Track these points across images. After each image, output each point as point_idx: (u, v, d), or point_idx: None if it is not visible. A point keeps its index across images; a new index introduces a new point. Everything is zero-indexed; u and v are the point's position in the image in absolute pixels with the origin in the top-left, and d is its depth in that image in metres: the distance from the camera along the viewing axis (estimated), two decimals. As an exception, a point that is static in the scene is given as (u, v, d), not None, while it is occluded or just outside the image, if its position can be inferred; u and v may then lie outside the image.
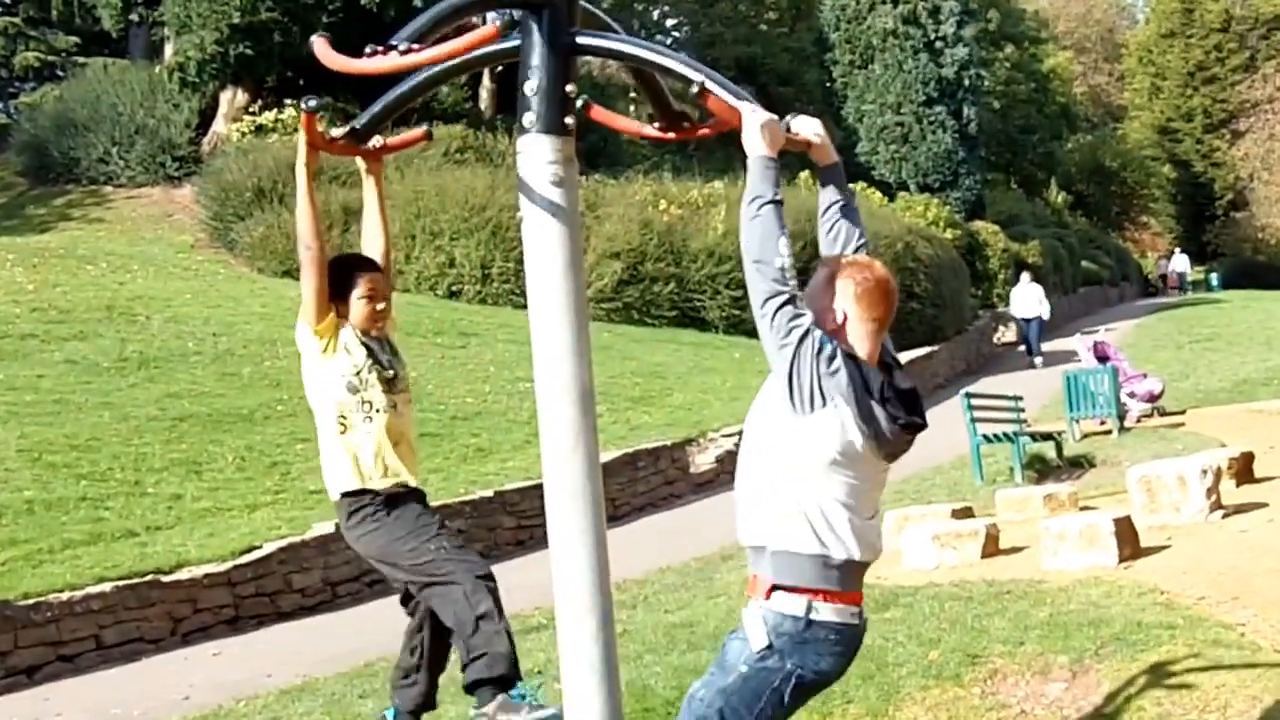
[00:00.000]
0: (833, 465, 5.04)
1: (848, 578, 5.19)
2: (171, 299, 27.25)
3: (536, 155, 4.60)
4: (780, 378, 5.05)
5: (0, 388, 20.17)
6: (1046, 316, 36.56)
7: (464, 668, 6.16)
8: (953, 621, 9.86)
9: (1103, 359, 23.83)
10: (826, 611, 5.14)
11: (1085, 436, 22.59)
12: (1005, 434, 19.79)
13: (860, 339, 5.19)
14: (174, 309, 26.33)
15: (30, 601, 12.98)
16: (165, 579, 13.96)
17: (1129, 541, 11.61)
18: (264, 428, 19.85)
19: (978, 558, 12.17)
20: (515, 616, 12.84)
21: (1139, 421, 23.20)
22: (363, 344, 6.54)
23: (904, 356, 28.39)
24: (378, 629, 13.38)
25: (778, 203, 4.97)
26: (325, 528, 15.50)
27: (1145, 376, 24.09)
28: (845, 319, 5.18)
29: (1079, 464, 20.14)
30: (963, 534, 12.42)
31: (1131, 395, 23.40)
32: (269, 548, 14.90)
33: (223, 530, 15.43)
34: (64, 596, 13.21)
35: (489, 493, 17.83)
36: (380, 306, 6.63)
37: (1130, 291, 67.12)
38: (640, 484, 19.90)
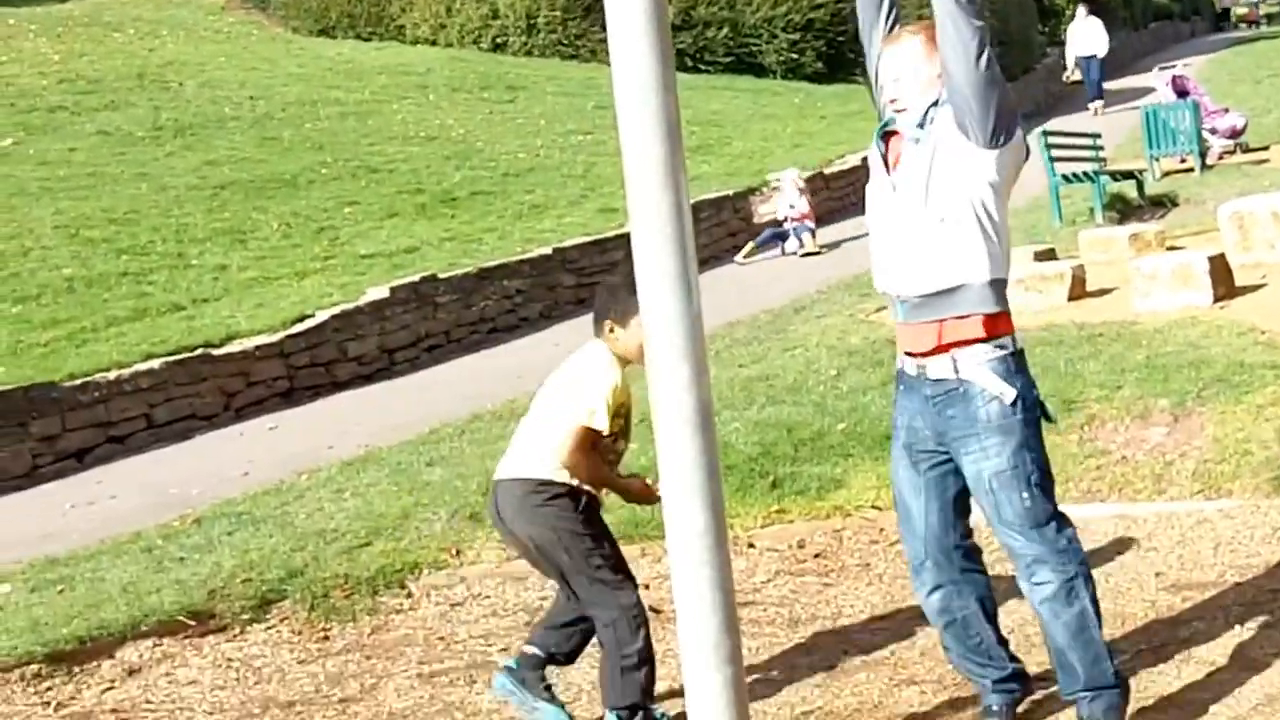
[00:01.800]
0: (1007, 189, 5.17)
1: None
2: (205, 63, 26.88)
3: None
4: (988, 112, 5.01)
5: (32, 163, 19.96)
6: (1103, 54, 33.72)
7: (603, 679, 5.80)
8: (1044, 367, 9.60)
9: (1182, 94, 23.17)
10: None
11: (1166, 175, 22.09)
12: (1084, 173, 19.35)
13: None
14: (208, 74, 25.97)
15: (77, 382, 12.88)
16: (215, 353, 13.84)
17: (1223, 280, 11.33)
18: (308, 193, 19.61)
19: (1065, 300, 11.91)
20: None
21: (1221, 158, 22.66)
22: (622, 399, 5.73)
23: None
24: (439, 396, 13.28)
25: None
26: (379, 293, 15.34)
27: (1227, 111, 23.46)
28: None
29: (1161, 203, 19.69)
30: (1048, 276, 12.15)
31: (1213, 131, 22.82)
32: (321, 316, 14.74)
33: (272, 300, 15.28)
34: (111, 375, 13.10)
35: (547, 250, 17.62)
36: None
37: (1201, 27, 65.57)
38: (702, 236, 19.60)
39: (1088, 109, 33.15)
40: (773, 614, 6.95)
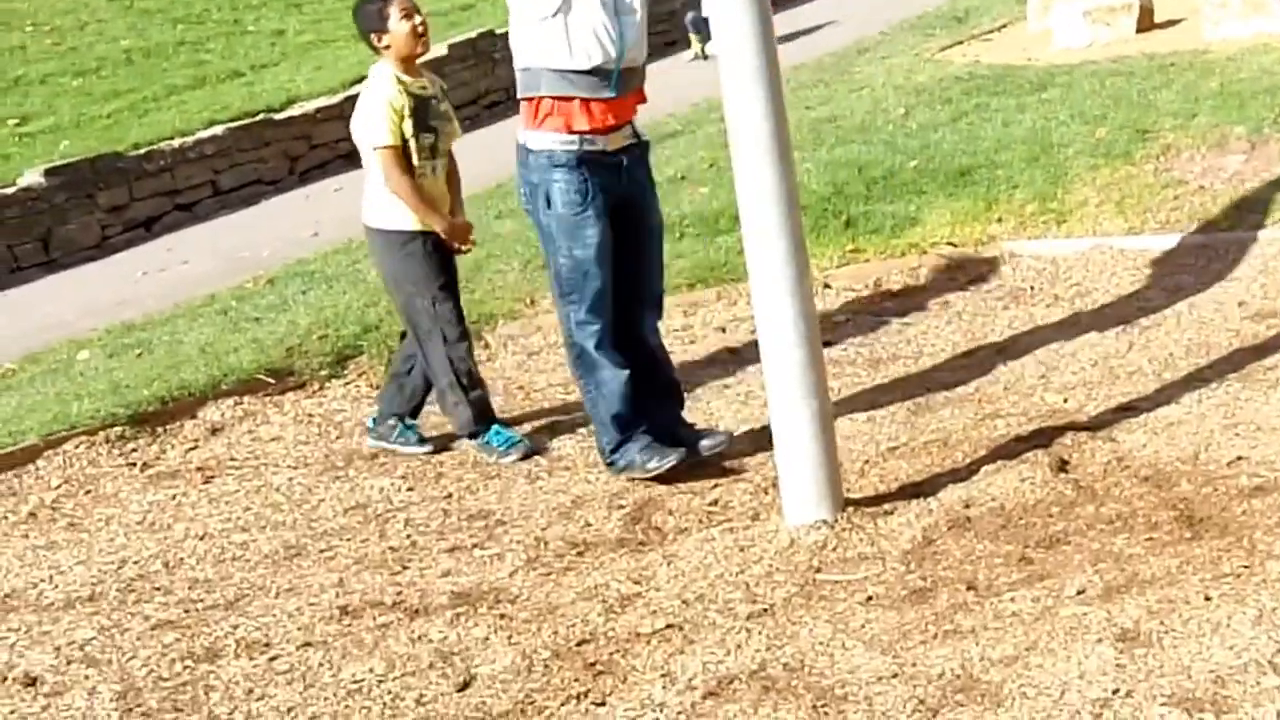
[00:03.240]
0: None
1: None
2: None
3: None
4: None
5: (82, -64, 19.66)
6: None
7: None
8: (1116, 98, 9.37)
9: None
10: None
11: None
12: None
13: None
14: None
15: (141, 151, 12.78)
16: (277, 117, 13.68)
17: (1298, 4, 10.96)
18: (361, -45, 19.24)
19: (1133, 32, 11.57)
20: (649, 125, 12.45)
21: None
22: (410, 97, 6.04)
23: None
24: (502, 153, 13.01)
25: None
26: (439, 50, 14.99)
27: None
28: None
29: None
30: (1115, 8, 11.79)
31: None
32: (381, 76, 14.51)
33: (330, 63, 15.08)
34: (175, 144, 13.00)
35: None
36: (419, 20, 6.10)
37: None
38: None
39: None
40: (853, 354, 6.84)
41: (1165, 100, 9.10)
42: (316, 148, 13.88)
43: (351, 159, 13.98)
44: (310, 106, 13.90)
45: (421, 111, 6.06)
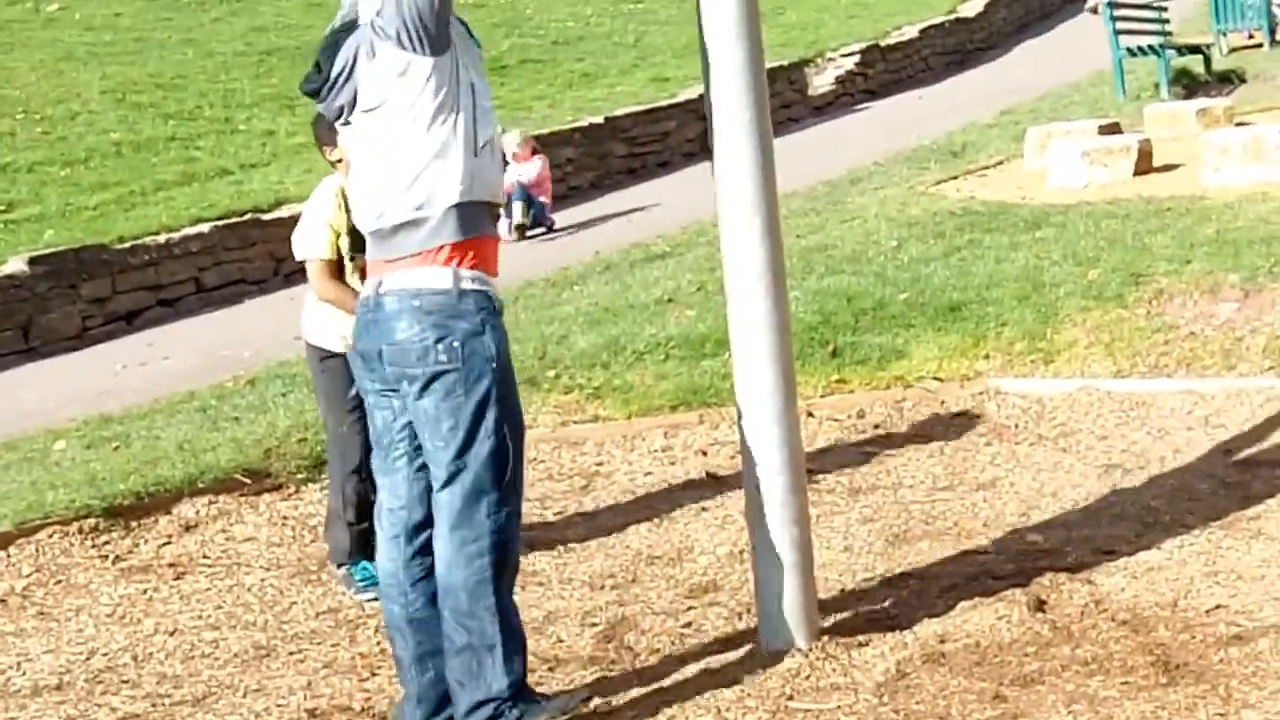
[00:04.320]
0: None
1: None
2: (252, -74, 26.70)
3: None
4: None
5: (78, 28, 19.95)
6: None
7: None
8: (1111, 240, 9.53)
9: (1252, -34, 22.80)
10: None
11: (1233, 51, 21.80)
12: (1150, 46, 19.07)
13: None
14: (255, -63, 25.81)
15: (126, 245, 12.95)
16: (265, 217, 13.86)
17: (1296, 155, 11.18)
18: (357, 59, 19.50)
19: (1130, 175, 11.78)
20: (638, 246, 12.74)
21: (1291, 34, 22.33)
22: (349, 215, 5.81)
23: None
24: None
25: None
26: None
27: (1300, -15, 23.07)
28: None
29: (1228, 79, 19.45)
30: (1113, 150, 12.00)
31: (1283, 5, 22.47)
32: (370, 182, 14.69)
33: (320, 165, 15.19)
34: (161, 239, 13.17)
35: (599, 119, 17.49)
36: None
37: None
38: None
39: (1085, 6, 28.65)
40: (833, 482, 6.94)
41: (1160, 244, 9.26)
42: (304, 250, 14.00)
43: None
44: (298, 208, 13.95)
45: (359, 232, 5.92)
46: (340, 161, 5.96)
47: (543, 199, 15.30)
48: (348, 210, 5.84)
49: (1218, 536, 5.79)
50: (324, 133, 5.98)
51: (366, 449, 5.74)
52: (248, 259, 13.66)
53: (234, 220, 13.69)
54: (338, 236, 6.02)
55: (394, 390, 4.48)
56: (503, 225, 13.80)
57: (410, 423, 4.49)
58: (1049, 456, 7.00)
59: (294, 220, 13.47)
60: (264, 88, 18.09)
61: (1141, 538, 5.86)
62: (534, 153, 15.38)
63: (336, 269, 6.04)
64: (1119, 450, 6.99)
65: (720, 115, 4.51)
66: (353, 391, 5.74)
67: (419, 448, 4.50)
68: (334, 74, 4.52)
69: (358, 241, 5.75)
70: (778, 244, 4.52)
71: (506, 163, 14.36)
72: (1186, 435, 7.10)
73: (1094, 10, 27.62)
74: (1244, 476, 6.46)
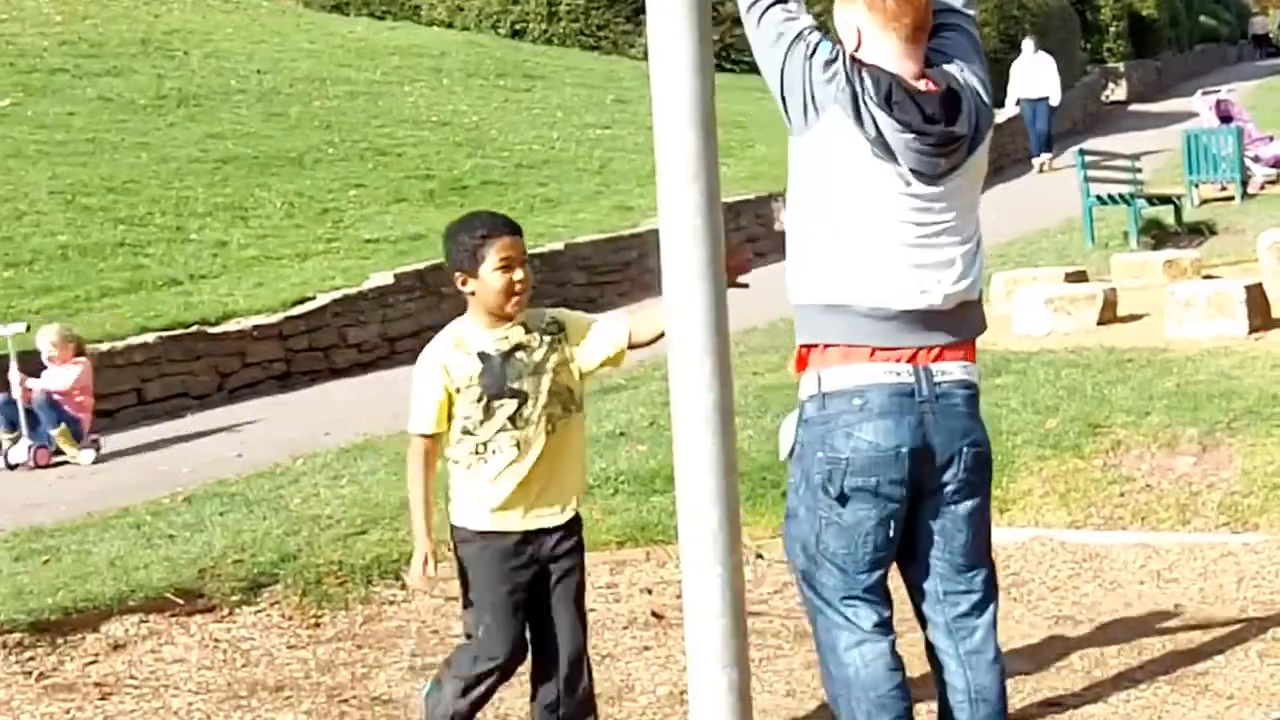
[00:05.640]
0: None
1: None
2: (211, 33, 27.00)
3: None
4: (773, 91, 4.61)
5: (29, 125, 20.08)
6: (1056, 101, 28.71)
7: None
8: (1071, 389, 9.70)
9: (1226, 119, 23.19)
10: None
11: (1205, 202, 22.17)
12: (1120, 195, 19.40)
13: (885, 55, 4.50)
14: (214, 43, 26.10)
15: (68, 351, 12.97)
16: (212, 330, 13.95)
17: (1260, 310, 11.40)
18: (314, 172, 19.72)
19: (1094, 324, 11.98)
20: (593, 379, 12.71)
21: (1263, 188, 22.66)
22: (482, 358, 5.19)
23: (1003, 115, 27.79)
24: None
25: None
26: (383, 279, 15.44)
27: (1272, 139, 23.45)
28: (860, 35, 4.55)
29: (1199, 231, 19.79)
30: (1078, 298, 12.21)
31: (1256, 159, 22.81)
32: (322, 299, 14.85)
33: (272, 280, 15.38)
34: (104, 347, 13.20)
35: (559, 245, 17.68)
36: (519, 276, 5.15)
37: (1249, 51, 65.75)
38: (721, 241, 19.69)
39: (1032, 164, 28.80)
40: (778, 626, 7.02)
41: (1120, 396, 9.43)
42: (249, 366, 14.12)
43: (284, 381, 14.27)
44: (247, 323, 14.18)
45: (495, 371, 5.18)
46: (474, 294, 5.17)
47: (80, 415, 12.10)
48: (480, 353, 5.19)
49: (1164, 691, 5.90)
50: (464, 258, 5.16)
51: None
52: (192, 372, 13.72)
53: (180, 332, 13.75)
54: (451, 396, 5.24)
55: None
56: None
57: None
58: (1000, 606, 7.09)
59: (242, 334, 13.78)
60: (218, 196, 18.22)
61: (1089, 690, 5.97)
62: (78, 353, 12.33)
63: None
64: (1070, 602, 7.11)
65: (670, 256, 4.62)
66: None
67: None
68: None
69: (495, 382, 5.19)
70: (727, 386, 4.58)
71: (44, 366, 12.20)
72: (1138, 589, 7.23)
73: (1041, 170, 28.25)
74: (1193, 632, 6.58)
